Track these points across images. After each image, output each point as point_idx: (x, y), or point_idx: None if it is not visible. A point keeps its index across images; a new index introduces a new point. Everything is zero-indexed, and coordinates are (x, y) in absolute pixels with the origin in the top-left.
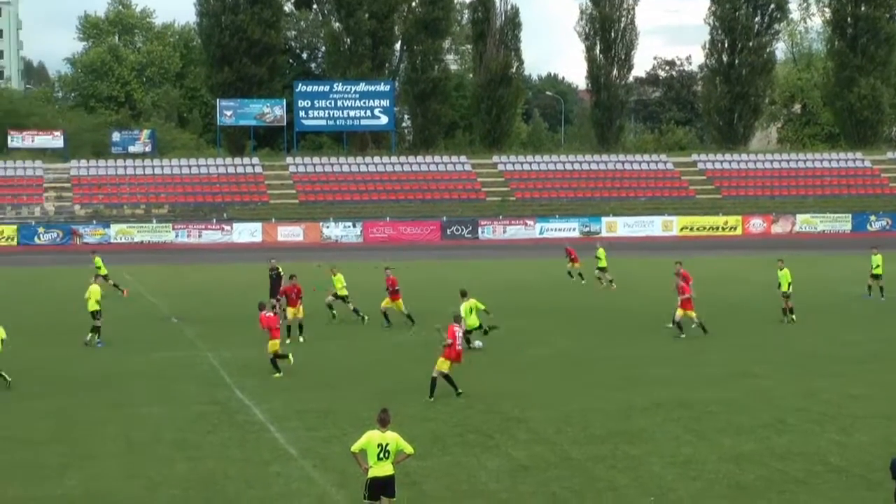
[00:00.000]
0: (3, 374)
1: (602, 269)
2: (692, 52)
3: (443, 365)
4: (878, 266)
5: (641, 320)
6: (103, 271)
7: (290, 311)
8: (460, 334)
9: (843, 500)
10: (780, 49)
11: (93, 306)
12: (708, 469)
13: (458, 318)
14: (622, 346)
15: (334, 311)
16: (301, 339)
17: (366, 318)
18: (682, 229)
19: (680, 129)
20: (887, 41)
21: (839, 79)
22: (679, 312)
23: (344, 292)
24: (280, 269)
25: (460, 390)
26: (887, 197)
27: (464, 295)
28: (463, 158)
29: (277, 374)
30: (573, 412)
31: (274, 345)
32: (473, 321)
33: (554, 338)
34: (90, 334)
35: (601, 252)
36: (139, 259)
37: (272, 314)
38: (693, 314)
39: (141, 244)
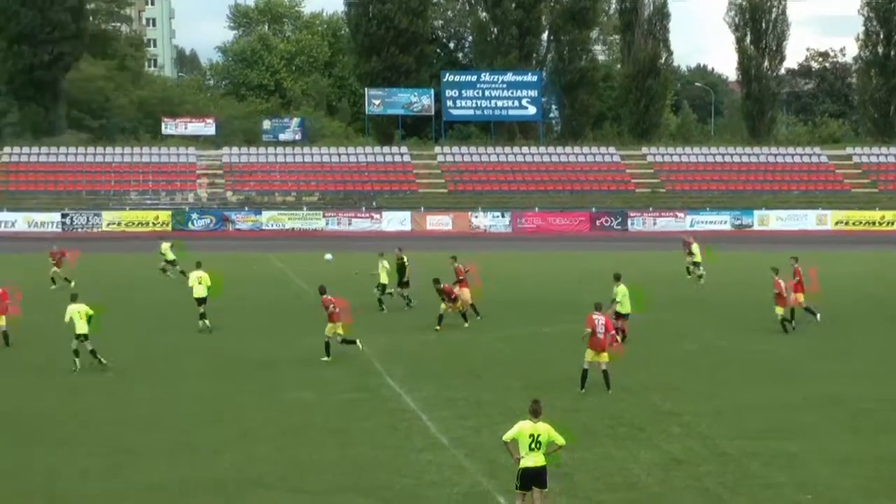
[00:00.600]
0: (100, 357)
1: (696, 264)
2: (847, 43)
3: (589, 355)
4: None
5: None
6: (169, 256)
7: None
8: (600, 323)
9: None
10: None
11: (199, 293)
12: (867, 467)
13: (598, 307)
14: (772, 340)
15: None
16: (465, 325)
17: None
18: (836, 223)
19: (834, 121)
20: None
21: None
22: (778, 310)
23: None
24: (405, 259)
25: (610, 390)
26: None
27: (617, 279)
28: (612, 149)
29: (325, 358)
30: (726, 407)
31: (332, 327)
32: (626, 307)
33: (701, 331)
34: (202, 321)
35: (696, 247)
36: (290, 246)
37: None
38: (779, 310)
39: (292, 231)
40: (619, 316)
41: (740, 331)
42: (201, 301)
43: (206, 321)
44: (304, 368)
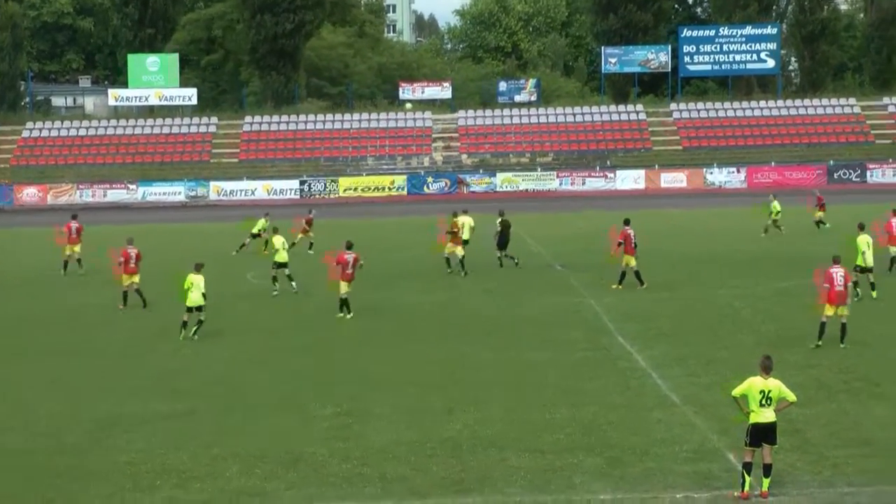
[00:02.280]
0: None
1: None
2: None
3: (828, 309)
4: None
5: None
6: (256, 229)
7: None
8: (839, 276)
9: None
10: None
11: (281, 257)
12: None
13: (836, 260)
14: None
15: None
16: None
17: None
18: None
19: None
20: None
21: None
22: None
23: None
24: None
25: (844, 343)
26: None
27: (861, 228)
28: (851, 100)
29: (340, 315)
30: None
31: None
32: (866, 259)
33: None
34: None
35: (776, 205)
36: (524, 207)
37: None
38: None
39: (525, 192)
40: (861, 270)
41: None
42: (282, 265)
43: (293, 283)
44: (540, 328)
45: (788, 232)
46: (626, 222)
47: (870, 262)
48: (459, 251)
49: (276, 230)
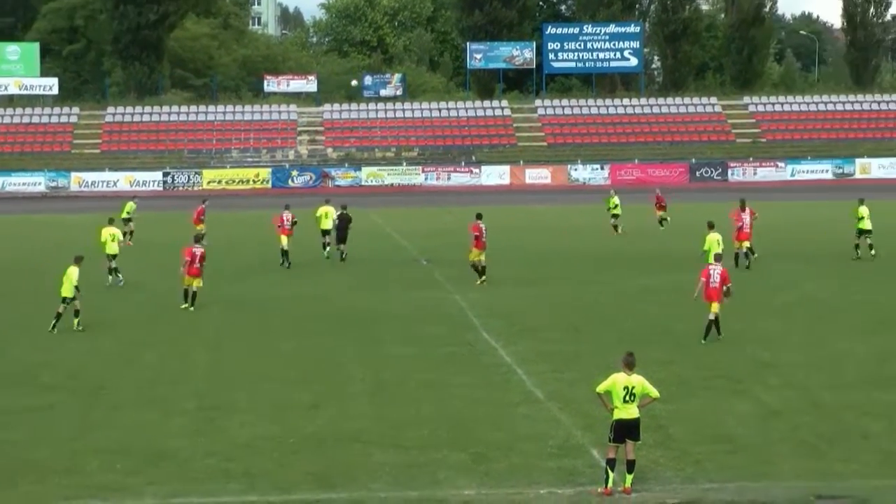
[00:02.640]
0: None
1: (615, 217)
2: None
3: (712, 307)
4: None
5: (892, 264)
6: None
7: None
8: (716, 273)
9: None
10: None
11: (111, 249)
12: None
13: (717, 258)
14: (874, 290)
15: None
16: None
17: None
18: None
19: None
20: None
21: None
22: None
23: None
24: (347, 212)
25: (721, 335)
26: None
27: (711, 227)
28: (713, 100)
29: (183, 306)
30: (825, 357)
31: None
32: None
33: (802, 281)
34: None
35: (614, 200)
36: (389, 202)
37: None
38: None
39: (391, 187)
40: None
41: (841, 281)
42: (112, 257)
43: (119, 276)
44: (404, 323)
45: (641, 230)
46: (479, 217)
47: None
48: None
49: (112, 221)
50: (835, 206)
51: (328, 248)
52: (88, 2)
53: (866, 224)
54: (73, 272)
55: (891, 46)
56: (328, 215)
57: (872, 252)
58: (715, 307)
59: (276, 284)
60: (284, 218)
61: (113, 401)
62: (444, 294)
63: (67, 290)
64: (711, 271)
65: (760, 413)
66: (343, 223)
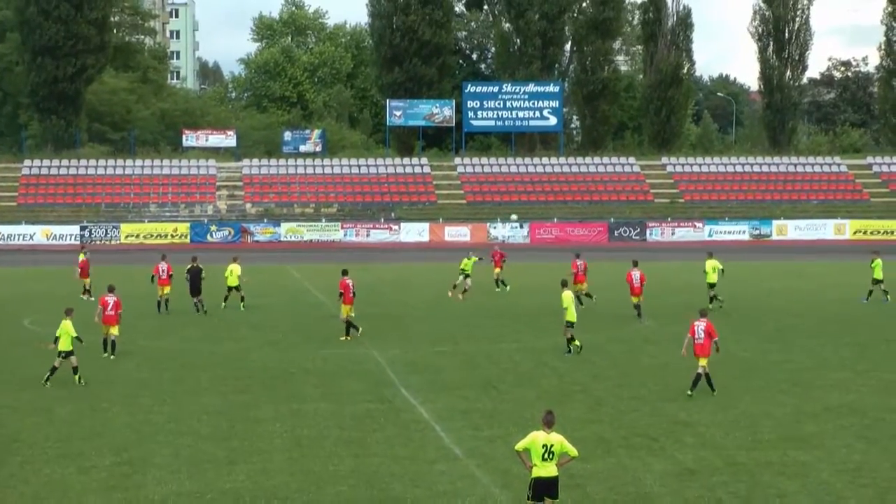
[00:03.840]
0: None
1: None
2: (869, 52)
3: (700, 361)
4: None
5: (809, 324)
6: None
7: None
8: (700, 329)
9: None
10: None
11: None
12: (880, 477)
13: (702, 313)
14: (790, 350)
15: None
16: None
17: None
18: (854, 233)
19: (855, 131)
20: None
21: None
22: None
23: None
24: (199, 265)
25: (714, 392)
26: None
27: (564, 284)
28: (631, 160)
29: (105, 355)
30: (741, 416)
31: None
32: (571, 315)
33: (721, 342)
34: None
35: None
36: (308, 258)
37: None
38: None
39: (310, 243)
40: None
41: (759, 340)
42: None
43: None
44: (323, 379)
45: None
46: (345, 273)
47: (572, 317)
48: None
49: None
50: (751, 267)
51: (225, 302)
52: (5, 53)
53: (713, 278)
54: (67, 325)
55: (807, 109)
56: (233, 272)
57: (710, 305)
58: (703, 362)
59: (192, 339)
60: (160, 269)
61: (27, 455)
62: (363, 350)
63: (65, 344)
64: (696, 327)
65: (676, 472)
66: (194, 276)
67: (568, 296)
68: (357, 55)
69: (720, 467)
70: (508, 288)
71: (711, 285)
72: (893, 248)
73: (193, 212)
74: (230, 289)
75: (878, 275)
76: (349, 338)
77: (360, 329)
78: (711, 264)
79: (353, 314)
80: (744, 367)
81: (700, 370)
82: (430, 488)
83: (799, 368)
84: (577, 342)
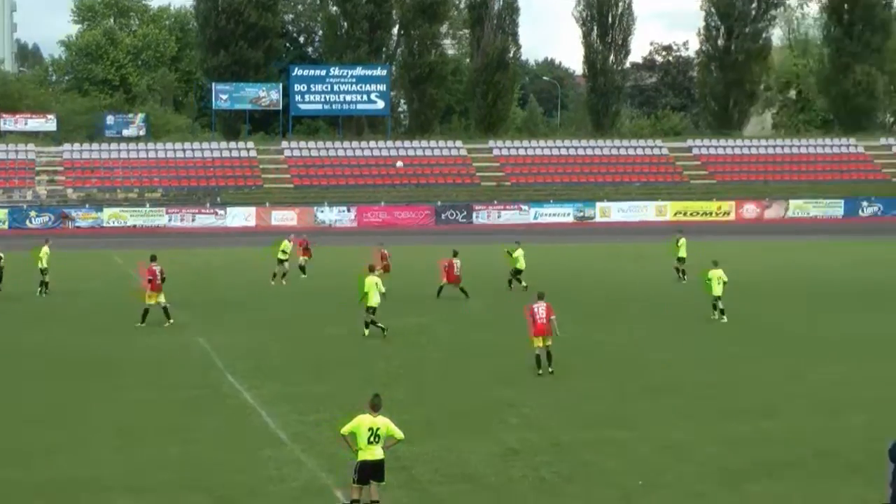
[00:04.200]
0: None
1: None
2: (689, 37)
3: (535, 342)
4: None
5: (631, 304)
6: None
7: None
8: (541, 310)
9: (830, 484)
10: (776, 35)
11: None
12: (697, 453)
13: (540, 296)
14: (613, 330)
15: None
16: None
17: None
18: (675, 214)
19: (675, 114)
20: (883, 27)
21: (835, 65)
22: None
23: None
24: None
25: (552, 370)
26: (880, 182)
27: (372, 269)
28: (458, 143)
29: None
30: (565, 397)
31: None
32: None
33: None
34: None
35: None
36: (132, 243)
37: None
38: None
39: (134, 228)
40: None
41: (582, 321)
42: None
43: None
44: (148, 367)
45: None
46: (153, 259)
47: (372, 302)
48: None
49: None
50: (575, 249)
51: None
52: None
53: (717, 290)
54: None
55: (629, 93)
56: (44, 255)
57: (714, 316)
58: (541, 341)
59: (10, 326)
60: None
61: None
62: (189, 337)
63: None
64: (536, 309)
65: (501, 452)
66: None
67: (370, 281)
68: (182, 38)
69: (544, 447)
70: (304, 276)
71: (717, 298)
72: (712, 228)
73: (12, 197)
74: (43, 272)
75: (683, 254)
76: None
77: (172, 320)
78: (716, 274)
79: (161, 300)
80: (567, 347)
81: (539, 351)
82: (256, 473)
83: (621, 348)
84: (380, 325)
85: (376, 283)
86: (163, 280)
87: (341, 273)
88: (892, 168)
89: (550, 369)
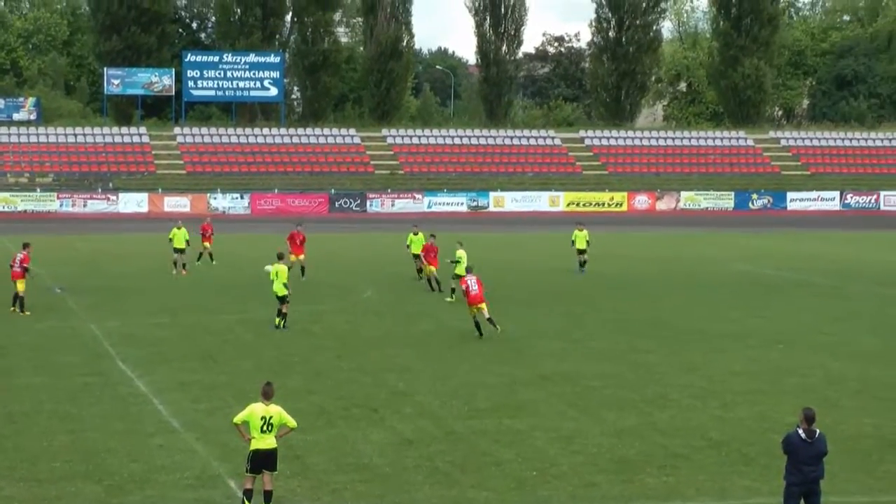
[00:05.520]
0: None
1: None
2: (581, 28)
3: (471, 310)
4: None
5: (524, 295)
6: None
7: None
8: (473, 282)
9: (722, 475)
10: (667, 28)
11: None
12: (590, 443)
13: (469, 270)
14: (506, 320)
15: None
16: None
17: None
18: (568, 205)
19: (568, 105)
20: (770, 22)
21: (724, 58)
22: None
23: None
24: None
25: (497, 328)
26: (769, 175)
27: (280, 258)
28: (352, 131)
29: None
30: (458, 386)
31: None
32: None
33: (440, 312)
34: None
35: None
36: (22, 229)
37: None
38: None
39: (24, 213)
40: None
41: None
42: None
43: None
44: (36, 353)
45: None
46: (25, 246)
47: (282, 292)
48: None
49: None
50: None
51: None
52: None
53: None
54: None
55: (522, 83)
56: None
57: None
58: (482, 307)
59: None
60: None
61: None
62: (79, 322)
63: None
64: (469, 280)
65: (395, 441)
66: None
67: (279, 269)
68: (73, 22)
69: (438, 436)
70: (215, 263)
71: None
72: (604, 219)
73: None
74: None
75: (582, 245)
76: (14, 309)
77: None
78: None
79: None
80: (460, 336)
81: (475, 317)
82: (148, 462)
83: (514, 338)
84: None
85: (278, 272)
86: (24, 269)
87: (235, 261)
88: (781, 161)
89: (499, 329)
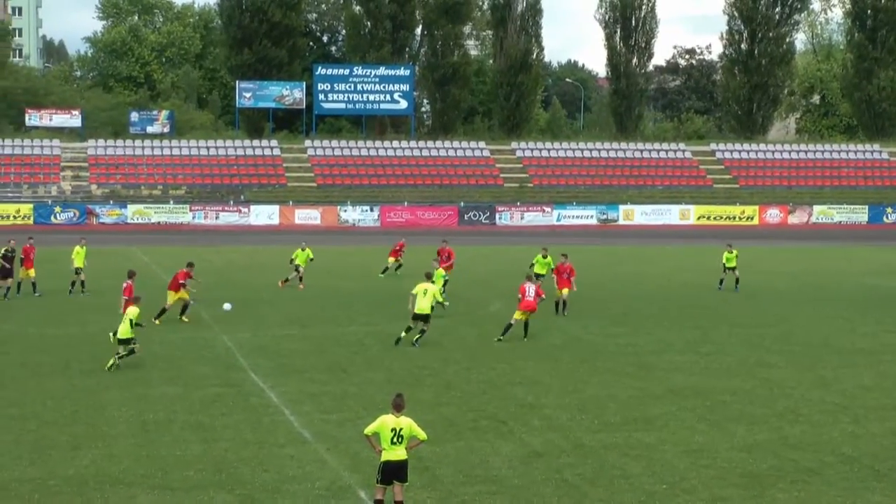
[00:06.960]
0: None
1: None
2: (713, 41)
3: (518, 314)
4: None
5: (653, 309)
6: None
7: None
8: (531, 289)
9: (854, 490)
10: (800, 40)
11: None
12: (720, 458)
13: (529, 277)
14: (636, 333)
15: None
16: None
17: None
18: (698, 218)
19: (699, 118)
20: None
21: (858, 70)
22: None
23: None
24: (13, 250)
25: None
26: None
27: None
28: (481, 144)
29: None
30: (587, 399)
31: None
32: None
33: (567, 324)
34: None
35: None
36: (156, 240)
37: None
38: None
39: (158, 225)
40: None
41: (605, 324)
42: None
43: None
44: (170, 363)
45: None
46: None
47: (426, 308)
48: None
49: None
50: (599, 251)
51: (72, 287)
52: None
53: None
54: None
55: (652, 96)
56: (80, 254)
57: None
58: (522, 315)
59: (36, 322)
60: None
61: None
62: (212, 334)
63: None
64: (527, 288)
65: (524, 454)
66: (7, 259)
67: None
68: (206, 35)
69: (567, 449)
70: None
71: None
72: (735, 233)
73: (37, 192)
74: (77, 271)
75: (732, 264)
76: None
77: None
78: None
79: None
80: (590, 350)
81: (515, 322)
82: (279, 472)
83: (644, 352)
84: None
85: (425, 290)
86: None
87: (365, 274)
88: None
89: (525, 338)
